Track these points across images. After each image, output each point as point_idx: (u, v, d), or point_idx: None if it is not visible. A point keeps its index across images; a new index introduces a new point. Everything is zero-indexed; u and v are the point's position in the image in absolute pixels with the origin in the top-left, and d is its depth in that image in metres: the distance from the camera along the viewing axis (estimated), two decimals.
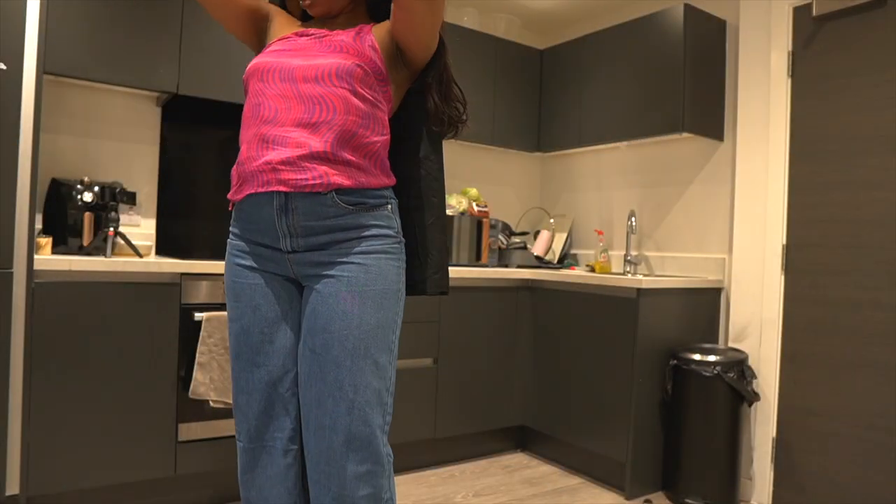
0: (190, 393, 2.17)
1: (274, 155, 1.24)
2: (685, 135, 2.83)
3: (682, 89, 2.74)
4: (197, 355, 2.18)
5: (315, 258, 1.29)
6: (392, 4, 1.29)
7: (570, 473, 2.88)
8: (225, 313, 2.22)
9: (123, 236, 2.35)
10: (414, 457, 2.83)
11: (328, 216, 1.27)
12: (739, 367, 2.51)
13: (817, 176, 2.50)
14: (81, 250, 2.29)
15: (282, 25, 1.44)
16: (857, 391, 2.34)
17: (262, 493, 1.35)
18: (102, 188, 2.34)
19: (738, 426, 2.51)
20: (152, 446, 2.16)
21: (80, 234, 2.31)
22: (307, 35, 1.36)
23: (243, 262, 1.36)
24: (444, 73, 1.41)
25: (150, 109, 2.67)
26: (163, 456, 2.19)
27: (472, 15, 3.43)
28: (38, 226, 2.35)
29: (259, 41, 1.47)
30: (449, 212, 3.11)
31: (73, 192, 2.30)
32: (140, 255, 2.39)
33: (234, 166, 1.33)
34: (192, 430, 2.25)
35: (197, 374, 2.17)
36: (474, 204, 3.20)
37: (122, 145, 2.61)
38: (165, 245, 2.68)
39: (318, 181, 1.24)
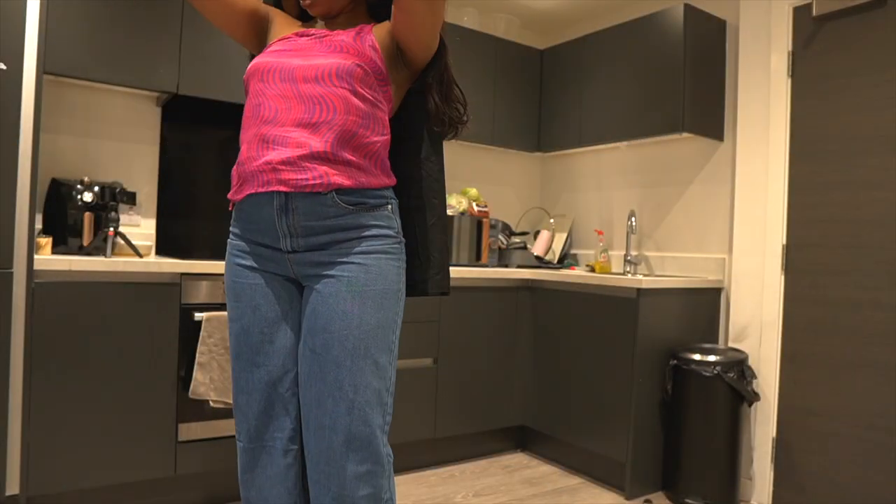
0: (190, 393, 2.17)
1: (274, 155, 1.24)
2: (685, 135, 2.84)
3: (682, 89, 2.74)
4: (197, 355, 2.18)
5: (315, 258, 1.29)
6: (392, 5, 1.29)
7: (570, 473, 2.88)
8: (225, 313, 2.22)
9: (123, 236, 2.35)
10: (414, 457, 2.83)
11: (328, 216, 1.27)
12: (739, 367, 2.51)
13: (817, 176, 2.50)
14: (81, 250, 2.29)
15: (282, 26, 1.44)
16: (857, 391, 2.34)
17: (262, 493, 1.35)
18: (102, 188, 2.34)
19: (738, 426, 2.51)
20: (152, 446, 2.17)
21: (80, 234, 2.31)
22: (307, 35, 1.36)
23: (243, 262, 1.36)
24: (444, 73, 1.41)
25: (150, 109, 2.67)
26: (163, 456, 2.19)
27: (472, 15, 3.43)
28: (38, 226, 2.35)
29: (259, 43, 1.47)
30: (449, 212, 3.11)
31: (73, 192, 2.30)
32: (140, 255, 2.39)
33: (235, 166, 1.34)
34: (192, 430, 2.25)
35: (197, 374, 2.17)
36: (474, 204, 3.19)
37: (122, 145, 2.61)
38: (165, 245, 2.68)
39: (318, 181, 1.24)
